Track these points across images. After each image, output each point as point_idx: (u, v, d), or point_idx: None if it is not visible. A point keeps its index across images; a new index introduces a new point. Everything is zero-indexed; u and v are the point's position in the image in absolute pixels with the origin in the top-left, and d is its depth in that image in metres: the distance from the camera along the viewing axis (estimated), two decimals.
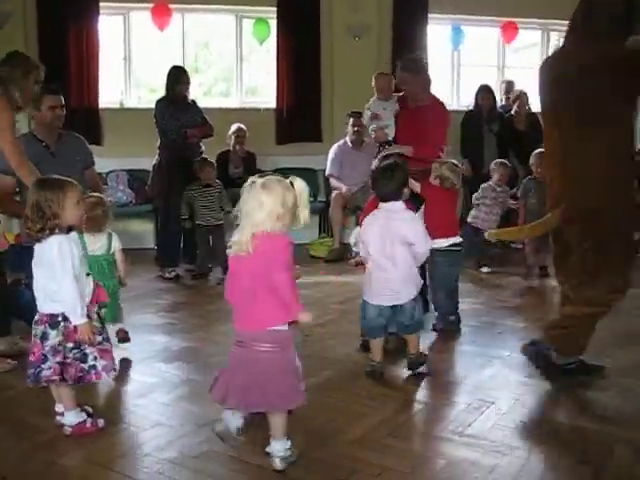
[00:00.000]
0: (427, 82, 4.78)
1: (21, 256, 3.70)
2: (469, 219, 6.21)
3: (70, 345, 2.76)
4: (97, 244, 3.79)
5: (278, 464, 2.50)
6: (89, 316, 2.79)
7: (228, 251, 2.48)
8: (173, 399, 3.25)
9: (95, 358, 2.81)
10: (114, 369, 2.90)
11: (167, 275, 6.01)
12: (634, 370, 3.59)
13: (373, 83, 5.09)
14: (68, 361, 2.76)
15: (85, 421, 2.85)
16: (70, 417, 2.84)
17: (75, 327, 2.74)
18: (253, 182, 2.47)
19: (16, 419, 3.01)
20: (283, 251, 2.43)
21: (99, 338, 2.86)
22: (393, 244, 3.42)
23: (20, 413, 3.06)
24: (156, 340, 4.20)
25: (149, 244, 6.86)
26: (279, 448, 2.51)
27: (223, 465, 2.58)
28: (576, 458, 2.63)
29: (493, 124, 7.45)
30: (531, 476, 2.50)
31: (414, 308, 3.48)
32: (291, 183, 2.47)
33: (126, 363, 3.78)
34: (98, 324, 2.89)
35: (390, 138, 4.88)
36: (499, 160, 6.31)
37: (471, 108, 7.64)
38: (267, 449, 2.55)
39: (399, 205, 3.51)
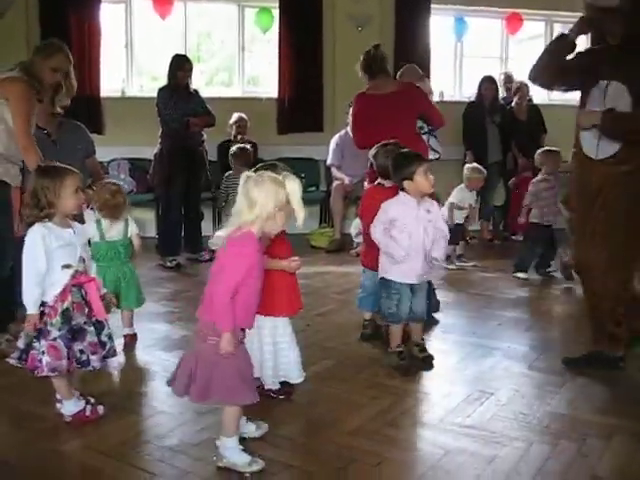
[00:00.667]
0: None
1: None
2: (535, 219, 5.66)
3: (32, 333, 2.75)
4: (114, 230, 3.83)
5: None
6: (54, 307, 2.75)
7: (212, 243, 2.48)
8: None
9: (43, 352, 2.72)
10: (55, 369, 2.74)
11: (168, 264, 6.01)
12: (633, 361, 3.59)
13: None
14: (29, 349, 2.76)
15: (84, 409, 2.87)
16: (68, 406, 2.85)
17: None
18: (248, 177, 2.43)
19: (17, 407, 3.03)
20: (234, 257, 2.37)
21: (56, 333, 2.73)
22: None
23: (21, 401, 3.07)
24: (157, 328, 4.21)
25: (150, 233, 6.87)
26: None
27: None
28: (575, 449, 2.65)
29: (495, 115, 7.43)
30: (530, 467, 2.51)
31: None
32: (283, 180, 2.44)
33: (131, 340, 3.89)
34: (60, 319, 2.75)
35: None
36: (547, 149, 5.91)
37: (473, 99, 7.62)
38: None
39: None
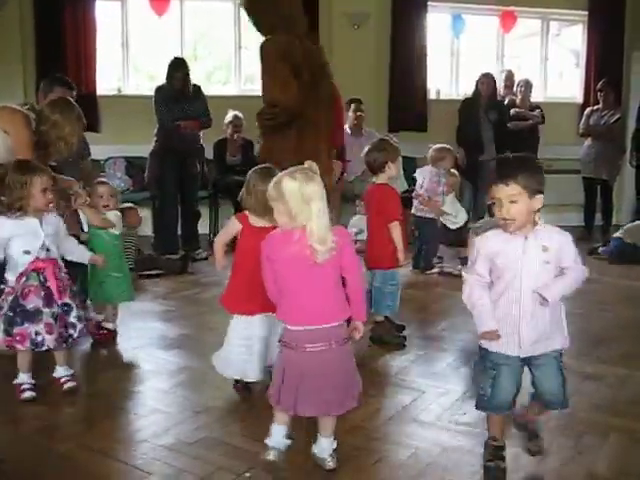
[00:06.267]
0: None
1: None
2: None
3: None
4: None
5: (330, 463, 2.45)
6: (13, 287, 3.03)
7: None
8: (171, 386, 3.25)
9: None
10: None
11: None
12: (629, 360, 3.60)
13: None
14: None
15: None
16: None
17: None
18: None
19: (12, 405, 3.01)
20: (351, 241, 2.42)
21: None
22: None
23: (17, 399, 3.06)
24: (154, 327, 4.21)
25: (147, 231, 6.85)
26: (327, 446, 2.47)
27: (219, 452, 2.59)
28: (572, 446, 2.65)
29: (491, 112, 7.38)
30: (526, 464, 2.51)
31: None
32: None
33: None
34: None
35: None
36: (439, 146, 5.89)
37: (469, 96, 7.58)
38: (314, 449, 2.48)
39: None
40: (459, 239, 5.74)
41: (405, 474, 2.46)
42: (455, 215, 5.73)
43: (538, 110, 7.64)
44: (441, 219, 5.71)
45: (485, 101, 7.37)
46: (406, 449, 2.63)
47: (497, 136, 7.38)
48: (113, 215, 3.84)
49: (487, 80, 7.37)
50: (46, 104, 3.77)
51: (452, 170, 5.81)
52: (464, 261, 5.72)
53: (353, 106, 7.15)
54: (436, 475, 2.44)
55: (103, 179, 4.10)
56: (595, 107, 7.83)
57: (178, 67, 6.04)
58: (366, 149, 3.95)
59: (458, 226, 5.74)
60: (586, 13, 8.61)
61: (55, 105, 3.72)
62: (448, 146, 5.89)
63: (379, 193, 3.89)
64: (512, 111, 7.58)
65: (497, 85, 7.58)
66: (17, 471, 2.45)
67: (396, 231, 3.79)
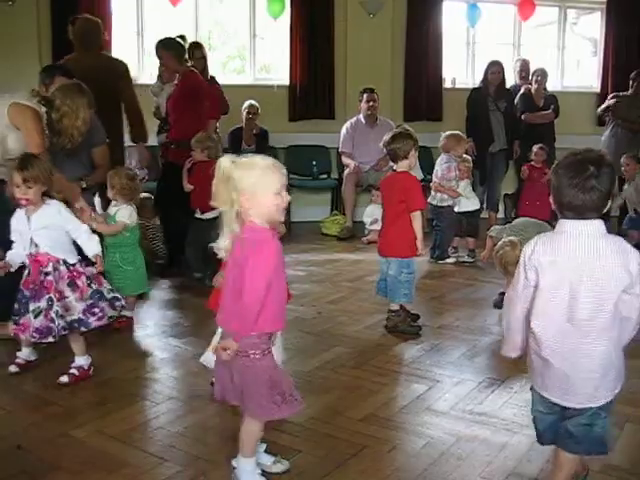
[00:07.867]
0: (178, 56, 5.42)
1: None
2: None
3: None
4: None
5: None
6: None
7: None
8: (185, 374, 3.27)
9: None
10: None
11: None
12: None
13: None
14: None
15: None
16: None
17: None
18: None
19: (29, 391, 3.05)
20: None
21: None
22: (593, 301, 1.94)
23: (32, 385, 3.09)
24: (168, 315, 4.22)
25: None
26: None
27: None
28: None
29: (500, 101, 7.27)
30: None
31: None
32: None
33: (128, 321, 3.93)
34: None
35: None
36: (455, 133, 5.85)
37: (477, 86, 7.48)
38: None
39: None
40: (472, 230, 5.73)
41: (419, 463, 2.45)
42: (467, 198, 5.72)
43: (552, 107, 7.52)
44: (454, 203, 5.69)
45: (494, 90, 7.24)
46: (420, 438, 2.63)
47: (507, 125, 7.28)
48: (126, 209, 3.84)
49: (497, 69, 7.21)
50: (57, 91, 3.74)
51: (465, 156, 5.79)
52: (472, 253, 5.72)
53: (365, 96, 7.12)
54: (450, 464, 2.44)
55: (124, 167, 4.08)
56: (622, 94, 7.63)
57: (192, 50, 6.05)
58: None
59: (465, 210, 5.74)
60: (604, 1, 8.51)
61: (66, 94, 3.70)
62: (460, 133, 5.87)
63: (403, 181, 3.86)
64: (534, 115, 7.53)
65: (511, 74, 7.49)
66: (34, 456, 2.47)
67: (418, 221, 3.80)
